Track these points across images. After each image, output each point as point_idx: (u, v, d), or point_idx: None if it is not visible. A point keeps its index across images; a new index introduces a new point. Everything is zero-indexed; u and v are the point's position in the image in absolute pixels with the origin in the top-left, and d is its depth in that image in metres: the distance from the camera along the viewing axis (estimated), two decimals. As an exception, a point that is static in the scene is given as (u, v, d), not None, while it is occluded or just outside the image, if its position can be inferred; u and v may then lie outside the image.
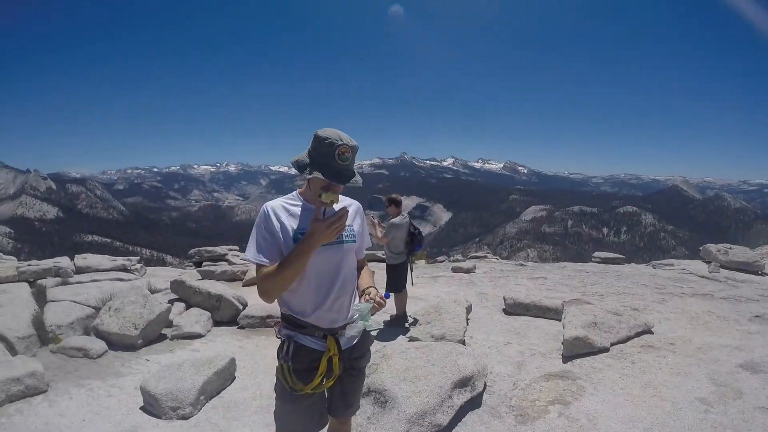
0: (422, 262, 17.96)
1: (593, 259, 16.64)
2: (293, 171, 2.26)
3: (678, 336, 5.89)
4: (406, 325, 7.09)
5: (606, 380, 4.63)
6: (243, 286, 10.44)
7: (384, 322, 7.19)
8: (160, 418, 4.19)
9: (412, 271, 7.36)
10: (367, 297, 2.31)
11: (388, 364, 4.36)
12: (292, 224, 2.26)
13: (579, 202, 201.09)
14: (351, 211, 2.48)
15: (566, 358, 5.32)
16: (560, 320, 6.57)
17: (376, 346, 5.45)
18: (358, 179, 2.22)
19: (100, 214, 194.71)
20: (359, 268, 2.60)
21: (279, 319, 2.45)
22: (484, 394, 4.44)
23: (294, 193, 2.42)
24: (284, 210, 2.30)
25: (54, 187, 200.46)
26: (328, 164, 2.16)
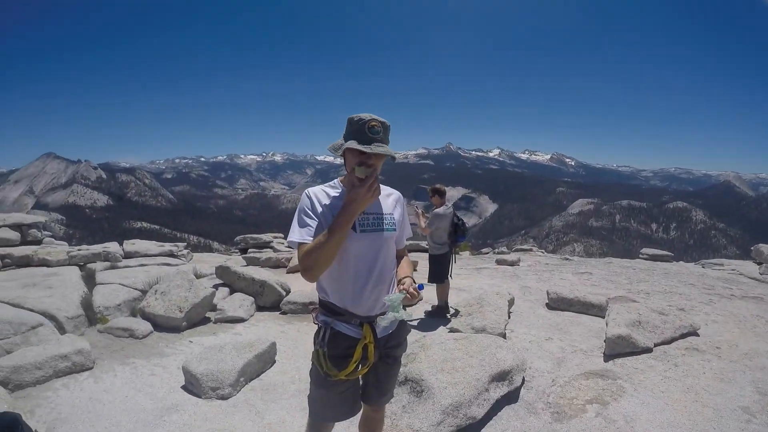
0: (467, 253, 17.90)
1: (640, 256, 16.27)
2: (339, 161, 2.31)
3: (724, 340, 5.67)
4: (448, 316, 7.08)
5: (647, 382, 4.50)
6: (287, 272, 10.63)
7: (425, 312, 7.23)
8: (200, 397, 4.31)
9: (454, 262, 7.32)
10: (401, 287, 2.30)
11: (427, 355, 4.36)
12: (332, 209, 2.28)
13: (627, 196, 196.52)
14: (391, 200, 2.50)
15: (608, 357, 5.20)
16: (604, 317, 6.43)
17: (415, 336, 5.45)
18: (388, 149, 2.20)
19: (148, 202, 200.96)
20: (399, 258, 2.60)
21: (317, 305, 2.48)
22: (522, 389, 4.39)
23: (335, 180, 2.44)
24: (325, 195, 2.33)
25: (104, 176, 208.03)
26: (357, 138, 2.18)
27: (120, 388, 4.48)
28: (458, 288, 9.04)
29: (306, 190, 2.35)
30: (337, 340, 2.35)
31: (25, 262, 8.84)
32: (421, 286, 2.28)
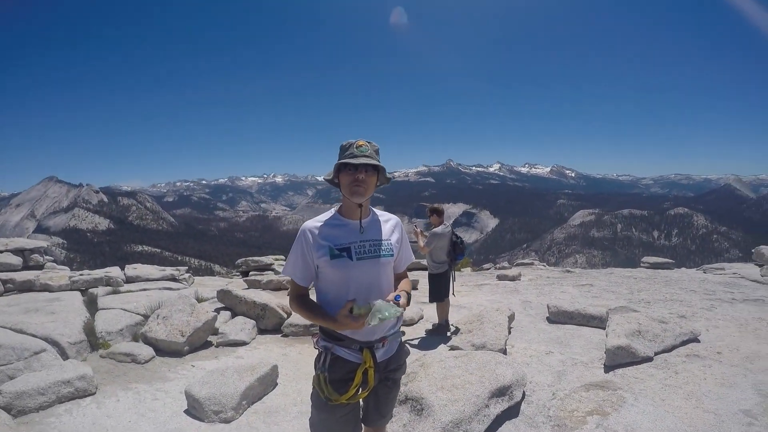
0: (468, 269, 17.89)
1: (642, 265, 16.30)
2: (335, 185, 2.41)
3: (725, 344, 5.71)
4: (448, 334, 7.10)
5: (647, 391, 4.52)
6: (288, 295, 10.64)
7: (426, 330, 7.27)
8: (202, 421, 4.33)
9: (454, 280, 7.35)
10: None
11: (426, 373, 4.38)
12: (329, 241, 2.37)
13: (628, 205, 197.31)
14: (389, 225, 2.56)
15: (608, 368, 5.21)
16: (605, 329, 6.44)
17: (415, 355, 5.47)
18: (377, 159, 2.36)
19: (150, 225, 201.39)
20: (399, 280, 2.65)
21: (318, 331, 2.53)
22: (523, 403, 4.40)
23: (332, 210, 2.52)
24: (321, 229, 2.41)
25: (105, 200, 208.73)
26: (347, 157, 2.32)
27: (122, 413, 4.50)
28: (458, 305, 9.07)
29: (303, 225, 2.46)
30: (338, 364, 2.40)
31: (27, 287, 8.88)
32: (397, 297, 2.31)
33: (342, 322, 2.26)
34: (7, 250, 10.65)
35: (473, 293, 10.99)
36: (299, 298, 2.45)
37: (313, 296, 2.54)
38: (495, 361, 4.59)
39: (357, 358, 2.39)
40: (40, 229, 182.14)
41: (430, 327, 7.31)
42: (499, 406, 4.05)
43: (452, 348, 6.05)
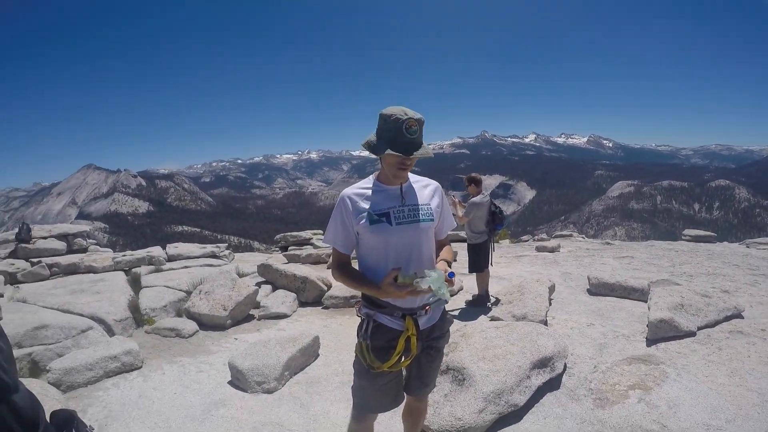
0: (507, 241, 17.82)
1: (683, 237, 15.98)
2: (374, 155, 2.34)
3: (770, 322, 5.53)
4: (488, 304, 7.07)
5: (690, 366, 4.41)
6: (328, 268, 10.73)
7: (466, 302, 7.25)
8: (246, 391, 4.43)
9: (493, 251, 7.30)
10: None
11: (468, 343, 4.38)
12: (368, 207, 2.32)
13: (668, 176, 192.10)
14: (428, 190, 2.50)
15: (650, 342, 5.11)
16: (646, 301, 6.32)
17: (456, 325, 5.49)
18: (428, 150, 2.24)
19: (188, 206, 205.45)
20: (441, 247, 2.59)
21: (360, 299, 2.51)
22: (564, 375, 4.36)
23: (370, 177, 2.47)
24: (360, 195, 2.37)
25: (144, 183, 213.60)
26: (396, 140, 2.19)
27: (168, 385, 4.64)
28: (498, 276, 9.04)
29: (342, 192, 2.41)
30: (380, 332, 2.38)
31: (72, 270, 9.17)
32: (451, 274, 2.27)
33: (386, 290, 2.22)
34: (51, 236, 11.01)
35: (512, 264, 10.94)
36: (341, 266, 2.42)
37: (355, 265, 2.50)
38: (536, 332, 4.56)
39: (399, 325, 2.37)
40: (82, 216, 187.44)
41: (470, 298, 7.28)
42: (540, 378, 4.04)
43: (493, 319, 6.04)
